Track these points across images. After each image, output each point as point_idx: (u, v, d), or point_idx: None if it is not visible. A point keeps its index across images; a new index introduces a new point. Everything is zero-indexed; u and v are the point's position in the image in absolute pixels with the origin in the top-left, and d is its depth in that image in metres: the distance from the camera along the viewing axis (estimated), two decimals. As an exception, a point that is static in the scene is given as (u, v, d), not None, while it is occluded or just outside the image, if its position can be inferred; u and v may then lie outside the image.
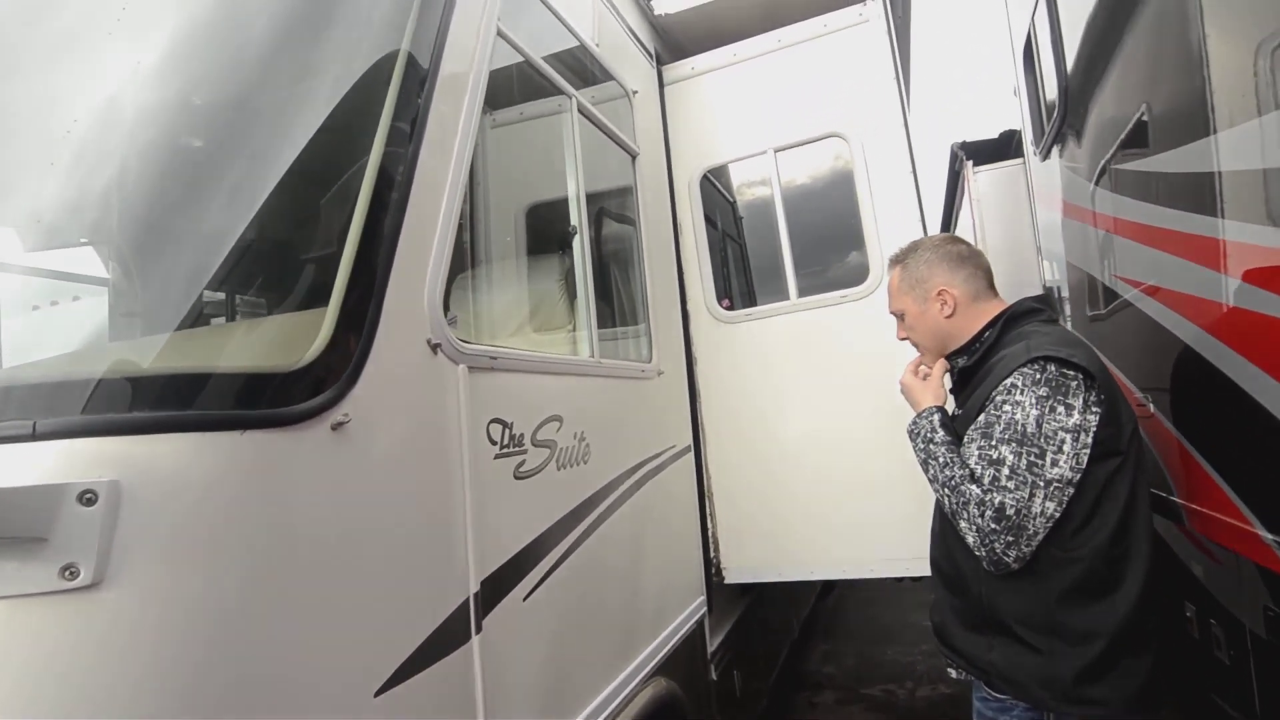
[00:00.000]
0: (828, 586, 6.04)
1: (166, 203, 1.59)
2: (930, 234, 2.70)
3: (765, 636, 3.66)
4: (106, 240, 1.83)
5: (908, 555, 2.68)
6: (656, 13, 3.13)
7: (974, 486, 1.51)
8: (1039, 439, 1.45)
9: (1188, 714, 3.05)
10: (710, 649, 2.80)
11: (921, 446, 1.69)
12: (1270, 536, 1.64)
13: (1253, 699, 2.10)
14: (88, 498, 0.84)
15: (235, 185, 1.53)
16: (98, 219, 1.67)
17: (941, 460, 1.61)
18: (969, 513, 1.50)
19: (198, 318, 1.34)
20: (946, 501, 1.58)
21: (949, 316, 1.76)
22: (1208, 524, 2.00)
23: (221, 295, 1.92)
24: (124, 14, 1.74)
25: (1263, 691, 2.05)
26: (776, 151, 3.03)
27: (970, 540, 1.52)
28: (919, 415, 1.75)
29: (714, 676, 2.77)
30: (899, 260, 1.88)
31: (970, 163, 6.19)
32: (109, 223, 1.66)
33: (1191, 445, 2.07)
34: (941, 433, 1.66)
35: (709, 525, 2.99)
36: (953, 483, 1.55)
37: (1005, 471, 1.46)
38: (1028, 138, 4.21)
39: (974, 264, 1.81)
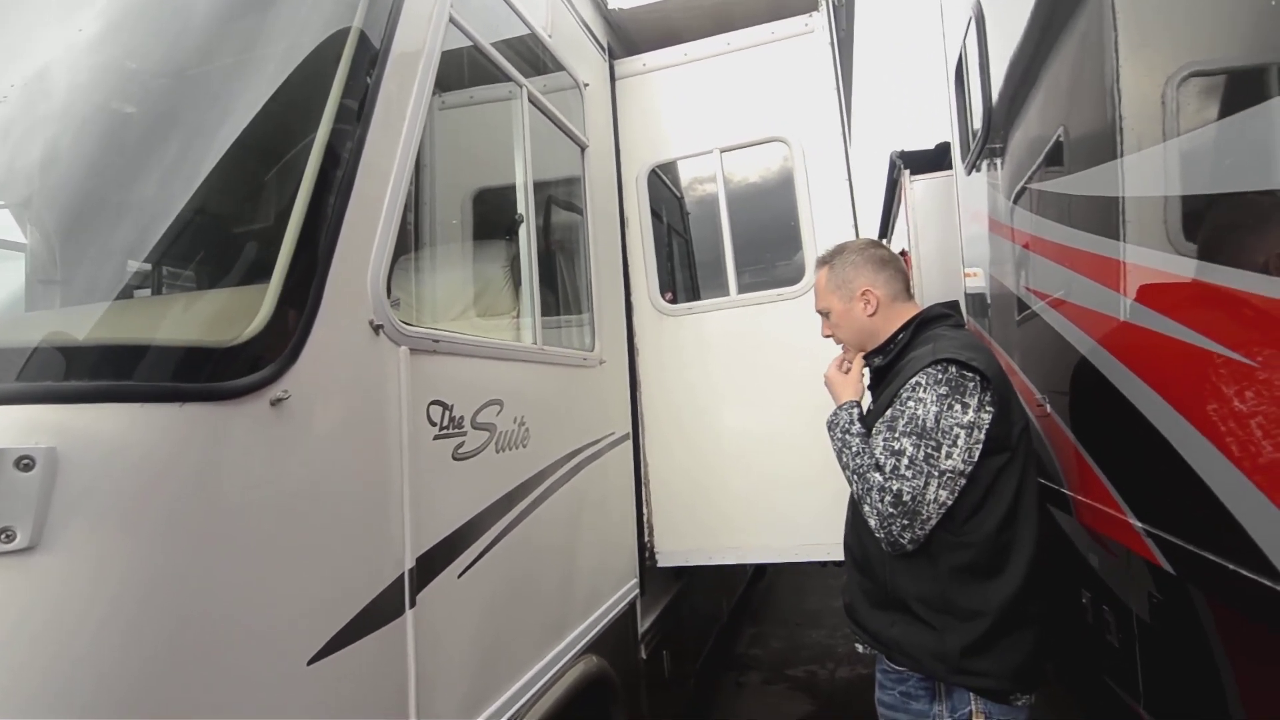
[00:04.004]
0: (759, 572, 6.25)
1: (95, 170, 1.55)
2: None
3: (695, 620, 3.79)
4: (25, 204, 1.77)
5: (829, 541, 2.83)
6: (610, 6, 3.17)
7: (877, 474, 1.65)
8: (936, 433, 1.59)
9: (1081, 695, 3.32)
10: (641, 630, 2.90)
11: (839, 436, 1.82)
12: (1139, 525, 1.84)
13: (1138, 680, 2.32)
14: (24, 463, 0.85)
15: (173, 155, 1.50)
16: (19, 184, 1.61)
17: (854, 450, 1.75)
18: (871, 498, 1.65)
19: (125, 292, 1.32)
20: (855, 487, 1.73)
21: (871, 315, 1.88)
22: (1090, 514, 2.21)
23: (149, 269, 1.88)
24: (58, -27, 1.68)
25: (1146, 673, 2.28)
26: (722, 152, 3.12)
27: (872, 523, 1.66)
28: (839, 408, 1.89)
29: (644, 656, 2.87)
30: (826, 261, 1.99)
31: (908, 171, 6.45)
32: (30, 188, 1.61)
33: (1079, 442, 2.28)
34: (857, 425, 1.80)
35: (644, 511, 3.08)
36: (860, 470, 1.70)
37: (905, 461, 1.60)
38: (956, 153, 4.45)
39: (894, 267, 1.94)
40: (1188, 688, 2.04)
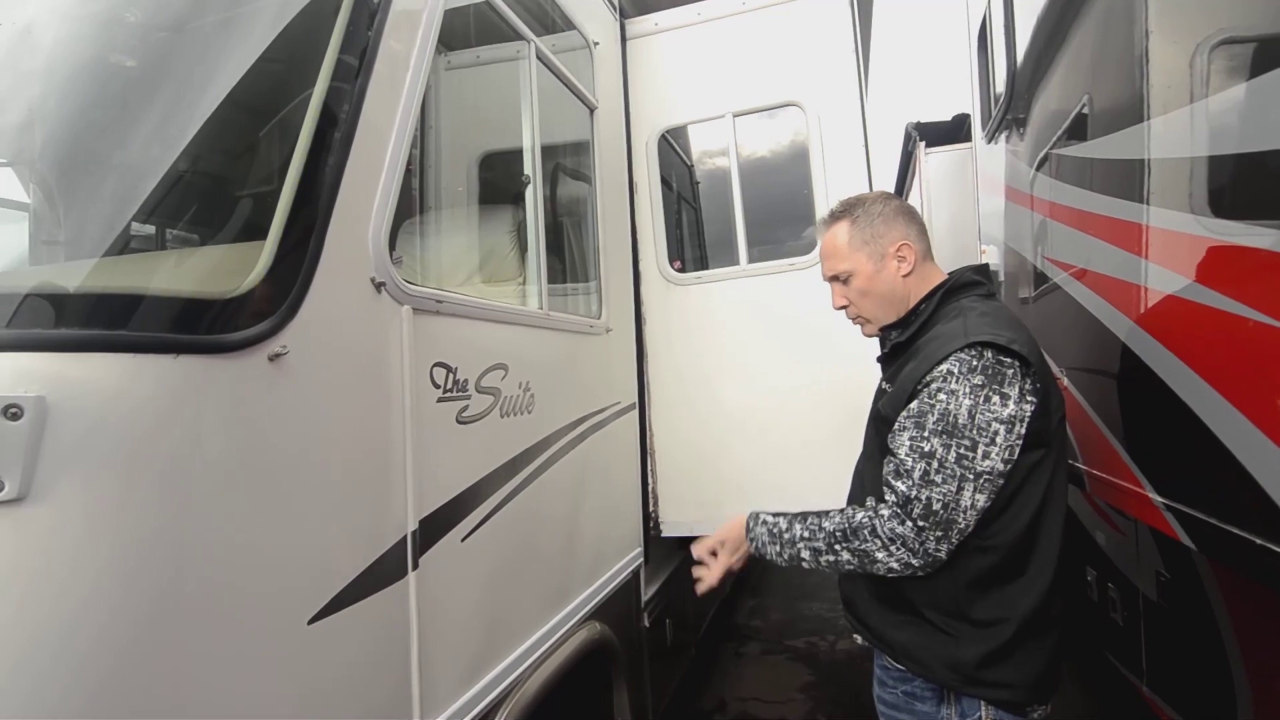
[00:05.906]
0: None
1: (95, 126, 1.51)
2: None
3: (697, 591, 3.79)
4: (28, 162, 1.73)
5: (835, 514, 2.81)
6: (622, -38, 3.07)
7: (901, 482, 1.41)
8: (970, 430, 1.36)
9: (1083, 671, 3.32)
10: (644, 598, 2.90)
11: (777, 541, 1.56)
12: (1159, 499, 1.80)
13: (1141, 657, 2.30)
14: (12, 412, 0.82)
15: (170, 110, 1.46)
16: (19, 140, 1.57)
17: (810, 528, 1.51)
18: (879, 539, 1.42)
19: (125, 248, 1.29)
20: (847, 555, 1.46)
21: (907, 275, 1.60)
22: (1107, 490, 2.17)
23: (151, 229, 1.85)
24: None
25: (1149, 650, 2.26)
26: (735, 116, 3.04)
27: (897, 565, 1.41)
28: (748, 531, 1.64)
29: (646, 624, 2.87)
30: (844, 214, 1.66)
31: (923, 144, 6.32)
32: (31, 144, 1.57)
33: (1096, 416, 2.23)
34: (780, 519, 1.58)
35: (649, 481, 3.06)
36: (841, 530, 1.46)
37: (934, 465, 1.37)
38: (976, 121, 4.33)
39: (920, 222, 1.66)
40: (1196, 664, 2.01)
